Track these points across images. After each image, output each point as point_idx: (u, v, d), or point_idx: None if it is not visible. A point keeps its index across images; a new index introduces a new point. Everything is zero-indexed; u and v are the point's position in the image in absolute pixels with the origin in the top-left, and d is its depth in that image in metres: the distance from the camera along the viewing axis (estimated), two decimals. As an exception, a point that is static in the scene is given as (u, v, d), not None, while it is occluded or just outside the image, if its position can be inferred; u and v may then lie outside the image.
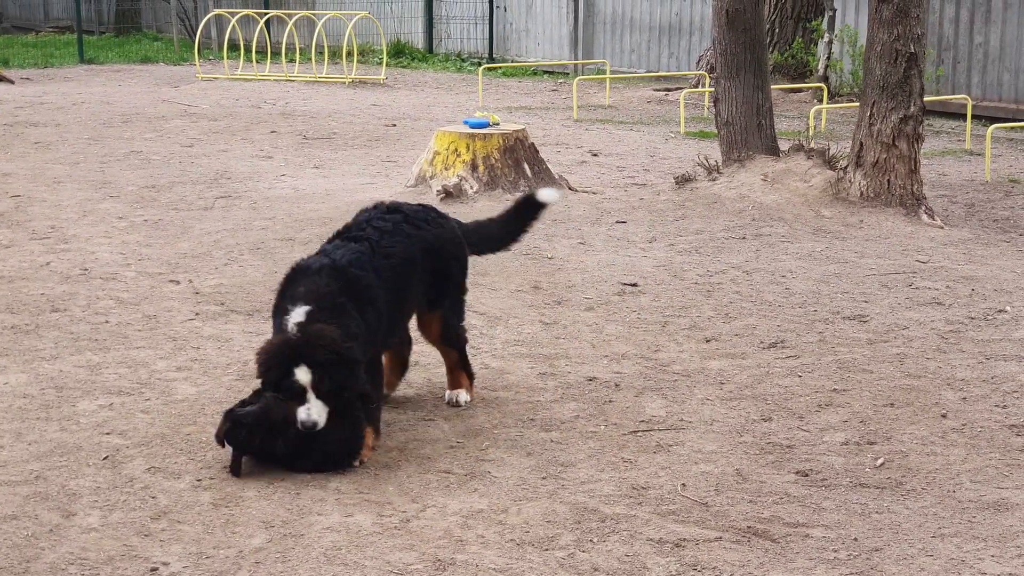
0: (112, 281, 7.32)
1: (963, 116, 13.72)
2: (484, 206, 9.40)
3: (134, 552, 3.98)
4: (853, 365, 5.85)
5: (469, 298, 5.55)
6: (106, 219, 9.07)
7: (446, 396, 5.35)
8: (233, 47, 20.82)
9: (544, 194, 5.64)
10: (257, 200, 9.80)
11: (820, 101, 15.16)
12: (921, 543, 4.05)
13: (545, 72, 21.19)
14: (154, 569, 3.87)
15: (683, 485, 4.49)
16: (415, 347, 5.53)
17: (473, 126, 10.05)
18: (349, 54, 19.98)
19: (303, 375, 4.53)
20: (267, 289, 7.10)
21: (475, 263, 5.72)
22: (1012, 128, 13.37)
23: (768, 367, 5.83)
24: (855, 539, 4.08)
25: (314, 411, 4.54)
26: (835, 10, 16.54)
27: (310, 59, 19.71)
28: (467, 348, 5.42)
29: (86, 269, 7.58)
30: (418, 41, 24.10)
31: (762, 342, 6.22)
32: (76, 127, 13.82)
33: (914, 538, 4.09)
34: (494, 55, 22.74)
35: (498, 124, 10.25)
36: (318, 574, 3.85)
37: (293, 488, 4.45)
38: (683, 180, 10.04)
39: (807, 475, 4.59)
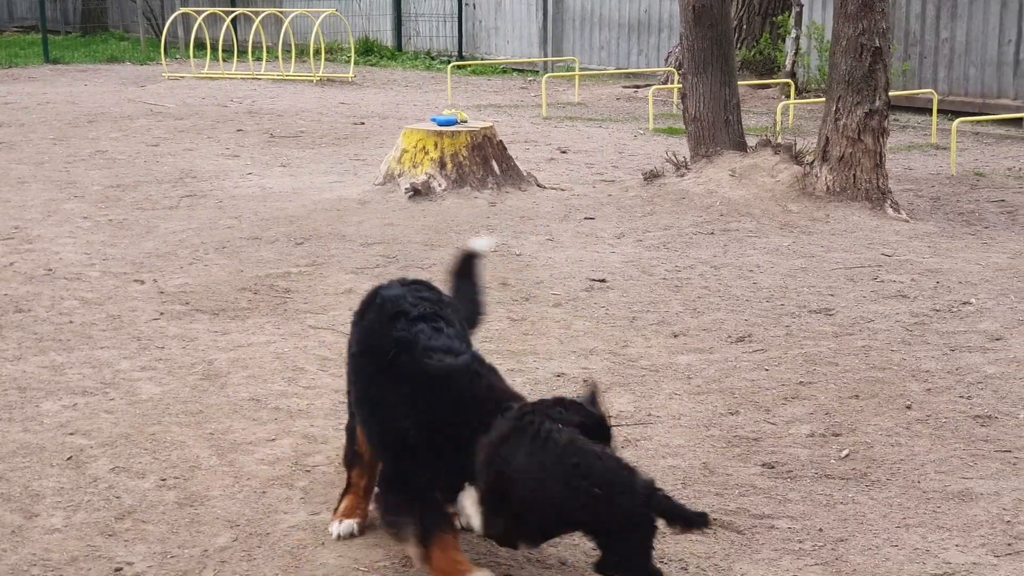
0: (76, 281, 7.26)
1: (930, 111, 13.80)
2: (452, 204, 9.40)
3: (98, 552, 3.94)
4: (819, 358, 5.87)
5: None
6: (71, 219, 9.00)
7: None
8: (200, 46, 20.73)
9: (477, 243, 4.94)
10: (223, 199, 9.75)
11: (787, 97, 15.22)
12: (886, 533, 4.07)
13: (514, 70, 21.19)
14: (118, 569, 3.84)
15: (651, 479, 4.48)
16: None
17: (441, 124, 10.03)
18: (317, 52, 19.91)
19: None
20: (233, 288, 7.08)
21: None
22: (977, 122, 13.45)
23: (735, 361, 5.85)
24: (820, 530, 4.09)
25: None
26: (802, 6, 16.61)
27: (277, 57, 19.62)
28: None
29: (50, 269, 7.52)
30: (387, 39, 24.06)
31: (730, 336, 6.23)
32: (41, 127, 13.71)
33: (879, 528, 4.10)
34: (463, 53, 22.72)
35: (466, 121, 10.23)
36: (284, 573, 3.83)
37: (259, 487, 4.42)
38: (651, 176, 10.06)
39: (773, 467, 4.60)
